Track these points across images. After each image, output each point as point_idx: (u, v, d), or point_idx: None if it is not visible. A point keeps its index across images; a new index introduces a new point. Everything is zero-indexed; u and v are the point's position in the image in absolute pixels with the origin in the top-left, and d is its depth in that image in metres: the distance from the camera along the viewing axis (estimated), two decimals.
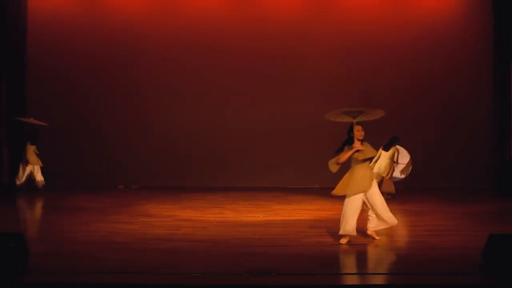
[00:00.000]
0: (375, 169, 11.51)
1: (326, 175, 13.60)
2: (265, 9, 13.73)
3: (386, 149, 11.79)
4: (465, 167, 13.35)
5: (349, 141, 7.64)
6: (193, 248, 7.54)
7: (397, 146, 11.83)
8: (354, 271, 6.48)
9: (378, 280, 6.18)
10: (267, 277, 6.19)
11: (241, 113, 13.70)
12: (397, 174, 11.96)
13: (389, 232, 8.52)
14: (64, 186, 13.05)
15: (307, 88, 13.64)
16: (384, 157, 11.81)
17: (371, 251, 7.39)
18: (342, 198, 11.44)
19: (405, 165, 12.03)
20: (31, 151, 12.64)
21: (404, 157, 11.95)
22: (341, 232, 7.53)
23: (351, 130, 7.71)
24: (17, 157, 13.04)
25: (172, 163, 13.65)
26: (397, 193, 12.36)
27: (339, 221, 7.63)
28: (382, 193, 9.89)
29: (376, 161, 11.66)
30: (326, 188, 13.28)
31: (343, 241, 7.57)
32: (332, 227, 8.94)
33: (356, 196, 7.50)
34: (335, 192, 7.68)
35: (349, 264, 6.81)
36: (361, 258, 7.08)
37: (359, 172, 7.55)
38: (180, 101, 13.74)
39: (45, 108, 13.51)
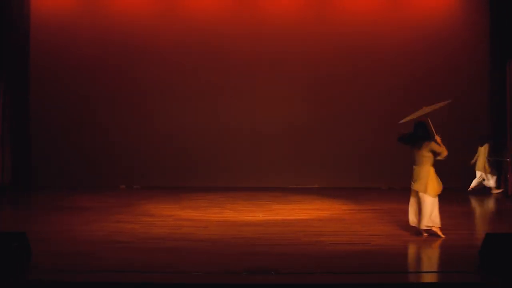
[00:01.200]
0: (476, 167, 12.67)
1: (325, 176, 13.76)
2: (265, 13, 13.73)
3: (481, 144, 12.71)
4: (462, 167, 13.35)
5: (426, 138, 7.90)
6: (194, 247, 7.57)
7: None
8: (352, 270, 6.50)
9: (376, 278, 6.20)
10: (266, 276, 6.22)
11: (242, 114, 13.71)
12: None
13: (387, 231, 8.55)
14: (66, 186, 13.05)
15: (307, 89, 13.66)
16: (480, 153, 12.65)
17: (369, 251, 7.41)
18: (340, 198, 11.46)
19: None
20: None
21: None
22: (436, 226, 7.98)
23: (424, 127, 7.93)
24: (21, 157, 13.07)
25: (173, 163, 13.66)
26: (394, 192, 12.47)
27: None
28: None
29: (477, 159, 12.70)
30: (325, 188, 13.41)
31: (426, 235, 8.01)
32: (331, 227, 8.98)
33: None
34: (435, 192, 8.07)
35: (347, 263, 6.82)
36: (359, 257, 7.11)
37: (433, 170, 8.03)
38: (181, 102, 13.76)
39: (46, 108, 13.52)
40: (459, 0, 13.67)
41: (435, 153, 7.92)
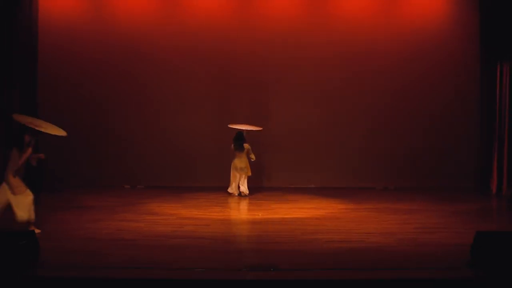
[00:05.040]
0: None
1: (322, 176, 13.76)
2: (267, 18, 13.65)
3: None
4: (454, 168, 13.37)
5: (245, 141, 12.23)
6: (196, 245, 7.57)
7: None
8: (348, 266, 6.50)
9: (370, 275, 6.20)
10: (266, 272, 6.21)
11: (241, 116, 13.68)
12: None
13: (381, 229, 8.55)
14: (72, 186, 13.01)
15: (304, 92, 13.65)
16: None
17: (364, 248, 7.41)
18: (336, 197, 11.51)
19: None
20: None
21: None
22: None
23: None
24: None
25: (176, 164, 13.64)
26: (388, 192, 12.51)
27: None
28: None
29: None
30: (322, 187, 13.41)
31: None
32: (328, 225, 8.98)
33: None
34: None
35: (343, 260, 6.83)
36: (354, 254, 7.11)
37: None
38: (184, 103, 13.73)
39: (54, 111, 13.45)
40: (450, 5, 13.66)
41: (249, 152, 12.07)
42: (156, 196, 11.97)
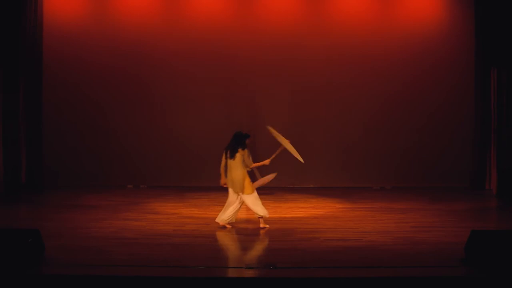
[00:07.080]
0: None
1: (320, 176, 13.79)
2: (267, 22, 13.67)
3: None
4: (450, 168, 13.38)
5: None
6: (197, 243, 7.60)
7: None
8: (345, 264, 6.53)
9: (367, 272, 6.23)
10: (265, 270, 6.24)
11: (242, 117, 13.69)
12: None
13: (378, 228, 8.58)
14: (76, 186, 13.04)
15: (303, 93, 13.67)
16: None
17: (361, 246, 7.45)
18: (334, 197, 11.49)
19: None
20: None
21: None
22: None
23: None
24: (34, 159, 13.07)
25: (177, 164, 13.64)
26: (384, 192, 12.55)
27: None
28: None
29: None
30: (320, 187, 13.43)
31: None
32: (326, 224, 9.01)
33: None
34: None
35: (340, 258, 6.86)
36: (352, 252, 7.14)
37: None
38: (186, 105, 13.75)
39: (58, 112, 13.51)
40: (446, 11, 13.66)
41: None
42: (159, 195, 12.00)
